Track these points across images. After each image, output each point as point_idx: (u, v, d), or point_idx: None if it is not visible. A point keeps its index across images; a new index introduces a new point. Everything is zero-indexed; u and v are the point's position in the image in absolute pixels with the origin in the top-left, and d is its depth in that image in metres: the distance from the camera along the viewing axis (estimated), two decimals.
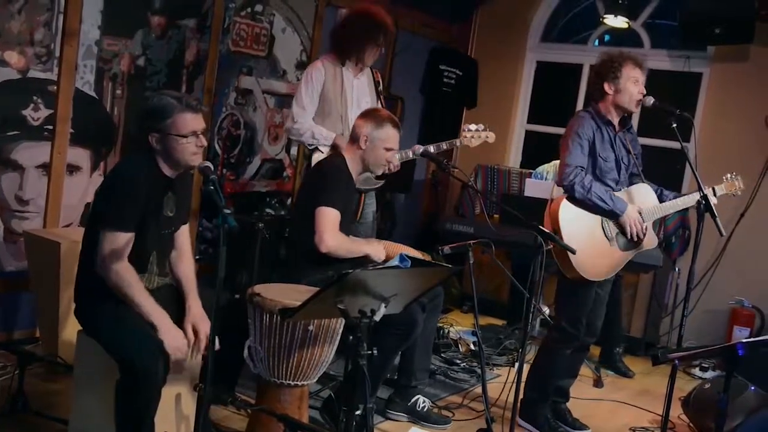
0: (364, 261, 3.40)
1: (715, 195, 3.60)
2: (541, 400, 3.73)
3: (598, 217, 3.51)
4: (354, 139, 3.49)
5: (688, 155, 3.48)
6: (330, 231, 3.30)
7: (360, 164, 3.49)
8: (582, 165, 3.44)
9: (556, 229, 3.41)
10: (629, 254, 3.58)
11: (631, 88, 3.49)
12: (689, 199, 3.60)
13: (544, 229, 3.13)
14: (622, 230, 3.54)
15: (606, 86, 3.51)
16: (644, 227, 3.54)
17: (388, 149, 3.46)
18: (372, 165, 3.50)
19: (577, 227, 3.44)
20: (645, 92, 3.53)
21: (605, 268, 3.53)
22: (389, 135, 3.45)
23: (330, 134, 4.01)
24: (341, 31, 4.14)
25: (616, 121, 3.58)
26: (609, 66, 3.51)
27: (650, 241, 3.64)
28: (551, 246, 3.24)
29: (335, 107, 4.07)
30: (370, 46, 4.04)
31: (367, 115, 3.53)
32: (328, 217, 3.31)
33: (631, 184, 3.67)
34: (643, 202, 3.60)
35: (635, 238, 3.54)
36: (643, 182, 3.67)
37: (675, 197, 3.65)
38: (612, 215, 3.50)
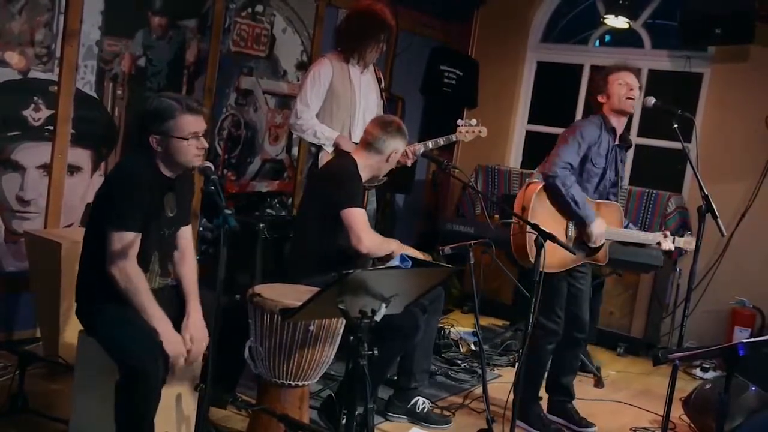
0: (367, 262, 3.41)
1: (673, 242, 3.68)
2: (531, 400, 3.76)
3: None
4: (378, 151, 3.48)
5: (690, 155, 3.49)
6: (366, 230, 3.32)
7: (373, 173, 3.54)
8: (572, 162, 3.53)
9: (525, 208, 3.48)
10: (579, 258, 3.63)
11: (618, 89, 3.60)
12: (650, 238, 3.70)
13: (544, 229, 3.13)
14: (580, 235, 3.62)
15: (599, 98, 3.67)
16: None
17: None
18: (382, 173, 3.61)
19: (544, 215, 3.47)
20: (633, 87, 3.61)
21: (556, 261, 3.52)
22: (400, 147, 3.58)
23: (333, 134, 4.01)
24: (343, 28, 4.15)
25: (619, 129, 3.67)
26: (596, 81, 3.71)
27: (603, 257, 3.73)
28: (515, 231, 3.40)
29: (344, 104, 4.07)
30: (371, 44, 4.05)
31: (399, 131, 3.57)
32: (360, 218, 3.33)
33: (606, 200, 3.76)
34: (608, 221, 3.66)
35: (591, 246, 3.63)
36: (617, 202, 3.78)
37: (638, 230, 3.82)
38: (580, 220, 3.56)
